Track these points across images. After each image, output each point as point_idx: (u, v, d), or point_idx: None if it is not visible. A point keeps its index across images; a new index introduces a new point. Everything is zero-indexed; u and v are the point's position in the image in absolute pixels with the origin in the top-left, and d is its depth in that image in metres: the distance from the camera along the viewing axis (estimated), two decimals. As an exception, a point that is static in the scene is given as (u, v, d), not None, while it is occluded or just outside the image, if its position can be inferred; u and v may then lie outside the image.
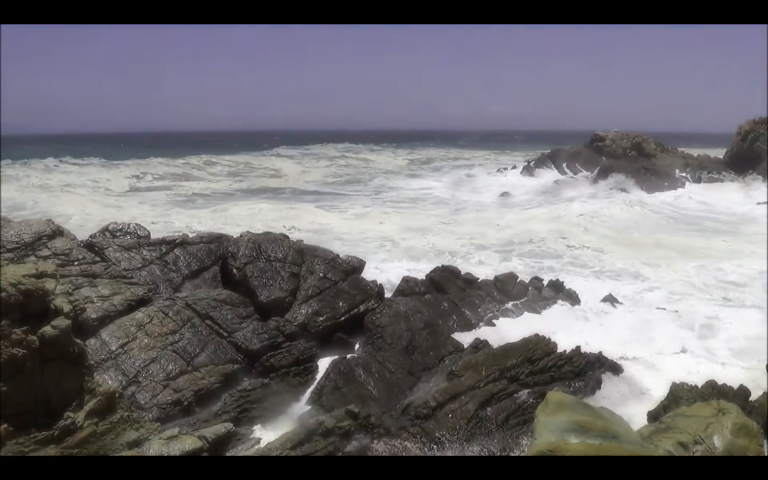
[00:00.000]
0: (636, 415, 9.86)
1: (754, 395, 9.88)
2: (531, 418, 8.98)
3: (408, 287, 14.99)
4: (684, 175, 49.75)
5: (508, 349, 11.64)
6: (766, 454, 5.52)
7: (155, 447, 7.31)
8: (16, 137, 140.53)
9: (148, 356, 10.93)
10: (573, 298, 16.52)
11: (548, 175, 51.32)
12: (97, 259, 12.70)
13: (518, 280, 16.59)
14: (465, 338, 13.44)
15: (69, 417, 7.24)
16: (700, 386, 10.08)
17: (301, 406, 11.43)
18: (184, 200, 39.72)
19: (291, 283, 13.45)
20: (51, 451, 6.97)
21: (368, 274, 15.27)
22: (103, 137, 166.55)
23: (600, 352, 12.19)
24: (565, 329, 14.45)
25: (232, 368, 11.41)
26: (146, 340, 11.15)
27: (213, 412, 10.60)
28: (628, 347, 13.64)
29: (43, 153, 70.74)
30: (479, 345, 12.47)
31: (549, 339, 11.95)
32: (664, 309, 16.34)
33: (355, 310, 13.52)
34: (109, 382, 9.72)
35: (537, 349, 11.58)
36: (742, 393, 9.91)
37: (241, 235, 14.71)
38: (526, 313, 15.53)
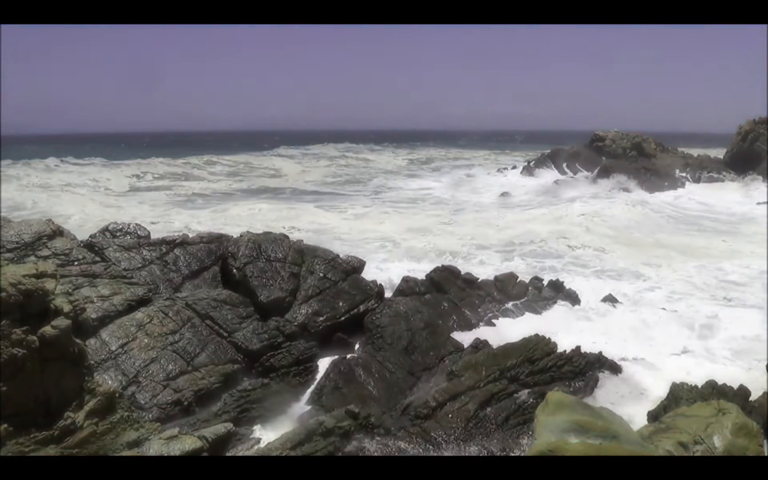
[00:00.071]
0: (636, 415, 9.86)
1: (754, 395, 9.88)
2: (531, 418, 9.00)
3: (408, 287, 15.00)
4: (684, 175, 49.77)
5: (508, 349, 11.64)
6: (766, 454, 5.52)
7: (155, 447, 7.31)
8: (17, 137, 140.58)
9: (148, 356, 10.93)
10: (573, 298, 16.52)
11: (548, 175, 51.32)
12: (97, 259, 12.70)
13: (518, 280, 16.59)
14: (465, 338, 13.44)
15: (69, 417, 7.24)
16: (700, 386, 10.07)
17: (301, 406, 11.43)
18: (184, 200, 39.72)
19: (291, 283, 13.45)
20: (51, 451, 6.97)
21: (368, 274, 15.27)
22: (103, 137, 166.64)
23: (600, 352, 12.19)
24: (565, 329, 14.45)
25: (232, 368, 11.42)
26: (146, 340, 11.15)
27: (213, 412, 10.60)
28: (628, 347, 13.63)
29: (45, 153, 70.81)
30: (479, 345, 12.47)
31: (549, 339, 11.95)
32: (664, 309, 16.35)
33: (355, 310, 13.52)
34: (109, 382, 9.72)
35: (537, 349, 11.58)
36: (742, 393, 9.91)
37: (241, 235, 14.71)
38: (526, 313, 15.54)
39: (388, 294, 14.83)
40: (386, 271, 18.04)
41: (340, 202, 38.74)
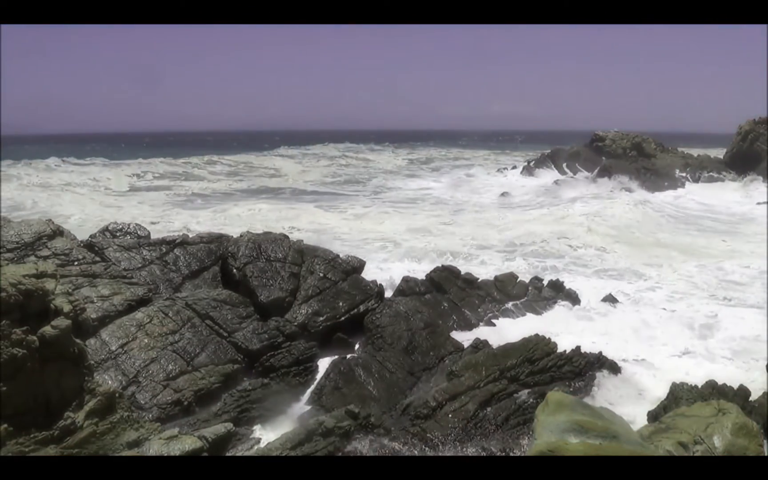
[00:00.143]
0: (636, 415, 9.87)
1: (754, 395, 9.87)
2: (531, 418, 8.99)
3: (408, 287, 15.00)
4: (684, 175, 49.80)
5: (508, 349, 11.63)
6: (766, 454, 5.52)
7: (155, 447, 7.31)
8: (17, 137, 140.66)
9: (148, 356, 10.93)
10: (573, 298, 16.52)
11: (548, 175, 51.34)
12: (97, 259, 12.70)
13: (518, 280, 16.59)
14: (465, 338, 13.45)
15: (69, 417, 7.24)
16: (700, 386, 10.07)
17: (301, 406, 11.43)
18: (184, 200, 39.72)
19: (291, 283, 13.46)
20: (51, 451, 6.97)
21: (368, 274, 15.27)
22: (103, 137, 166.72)
23: (600, 352, 12.18)
24: (565, 329, 14.46)
25: (232, 368, 11.41)
26: (146, 340, 11.15)
27: (213, 412, 10.60)
28: (628, 347, 13.64)
29: (46, 153, 70.86)
30: (479, 345, 12.47)
31: (549, 339, 11.94)
32: (665, 309, 16.35)
33: (355, 310, 13.52)
34: (109, 382, 9.73)
35: (537, 349, 11.57)
36: (742, 393, 9.90)
37: (241, 235, 14.72)
38: (526, 313, 15.54)
39: (388, 294, 14.83)
40: (386, 271, 18.04)
41: (340, 202, 38.73)
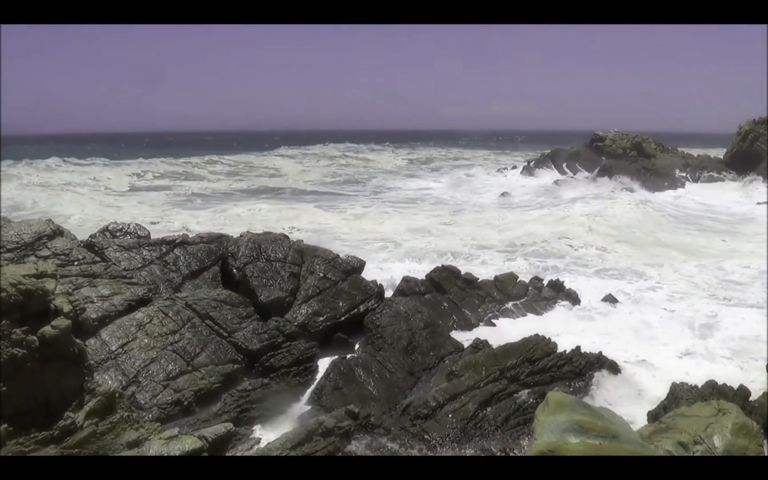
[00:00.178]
0: (636, 415, 9.87)
1: (754, 395, 9.87)
2: (531, 418, 8.99)
3: (408, 287, 15.01)
4: (684, 175, 49.82)
5: (508, 349, 11.63)
6: (766, 454, 5.52)
7: (155, 447, 7.30)
8: (17, 137, 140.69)
9: (148, 356, 10.93)
10: (573, 298, 16.52)
11: (548, 175, 51.35)
12: (97, 259, 12.71)
13: (518, 280, 16.59)
14: (465, 338, 13.45)
15: (69, 417, 7.24)
16: (700, 386, 10.07)
17: (301, 406, 11.42)
18: (184, 200, 39.72)
19: (291, 283, 13.46)
20: (51, 451, 6.97)
21: (368, 274, 15.27)
22: (103, 137, 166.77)
23: (600, 352, 12.18)
24: (565, 329, 14.46)
25: (232, 368, 11.41)
26: (146, 340, 11.14)
27: (213, 412, 10.59)
28: (629, 347, 13.64)
29: (47, 153, 70.88)
30: (479, 345, 12.46)
31: (549, 339, 11.94)
32: (665, 309, 16.35)
33: (355, 310, 13.52)
34: (109, 382, 9.73)
35: (537, 349, 11.57)
36: (742, 393, 9.90)
37: (241, 235, 14.72)
38: (526, 313, 15.54)
39: (388, 294, 14.83)
40: (387, 271, 18.04)
41: (340, 202, 38.73)
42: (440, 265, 16.61)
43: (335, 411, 10.11)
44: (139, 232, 15.08)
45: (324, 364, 12.27)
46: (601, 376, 11.76)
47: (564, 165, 53.47)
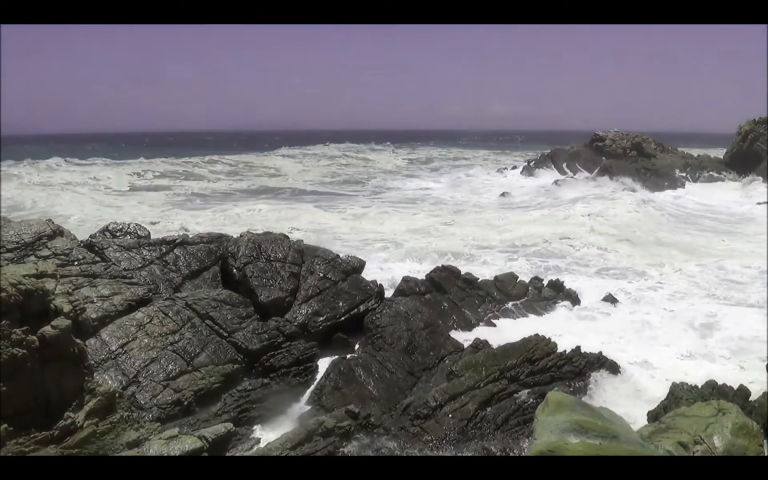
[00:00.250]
0: (636, 415, 9.86)
1: (754, 395, 9.86)
2: (531, 418, 8.99)
3: (408, 287, 15.01)
4: (684, 175, 49.84)
5: (508, 349, 11.63)
6: (766, 454, 5.52)
7: (155, 447, 7.30)
8: (17, 137, 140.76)
9: (148, 356, 10.92)
10: (573, 298, 16.53)
11: (548, 176, 51.34)
12: (97, 259, 12.71)
13: (518, 280, 16.59)
14: (465, 338, 13.45)
15: (69, 417, 7.24)
16: (700, 386, 10.06)
17: (301, 406, 11.42)
18: (184, 200, 39.72)
19: (291, 283, 13.46)
20: (51, 451, 6.97)
21: (369, 274, 15.27)
22: (104, 137, 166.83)
23: (600, 352, 12.18)
24: (565, 329, 14.46)
25: (232, 368, 11.41)
26: (146, 340, 11.14)
27: (213, 412, 10.59)
28: (629, 347, 13.63)
29: (47, 153, 70.84)
30: (479, 345, 12.47)
31: (549, 339, 11.94)
32: (665, 308, 16.35)
33: (355, 310, 13.52)
34: (109, 382, 9.72)
35: (537, 349, 11.57)
36: (742, 393, 9.89)
37: (241, 235, 14.72)
38: (526, 313, 15.54)
39: (388, 294, 14.83)
40: (387, 271, 18.03)
41: (340, 202, 38.73)
42: (440, 265, 16.62)
43: (335, 411, 10.11)
44: (139, 232, 15.09)
45: (324, 364, 12.27)
46: (601, 376, 11.76)
47: (564, 165, 53.48)
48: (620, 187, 44.15)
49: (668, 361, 12.99)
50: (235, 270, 13.47)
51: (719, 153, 58.09)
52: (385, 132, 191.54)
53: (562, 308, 16.12)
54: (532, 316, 15.40)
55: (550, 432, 4.59)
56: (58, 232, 12.85)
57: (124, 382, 10.37)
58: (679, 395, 9.78)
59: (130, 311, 11.59)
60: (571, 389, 11.09)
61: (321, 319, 13.10)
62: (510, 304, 15.67)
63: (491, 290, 15.87)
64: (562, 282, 17.04)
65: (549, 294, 16.44)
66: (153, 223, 26.59)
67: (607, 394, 11.28)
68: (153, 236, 15.13)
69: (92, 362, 8.84)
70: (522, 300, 15.95)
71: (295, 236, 15.70)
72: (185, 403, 10.54)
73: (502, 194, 43.24)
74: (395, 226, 28.80)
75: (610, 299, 16.60)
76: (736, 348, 13.67)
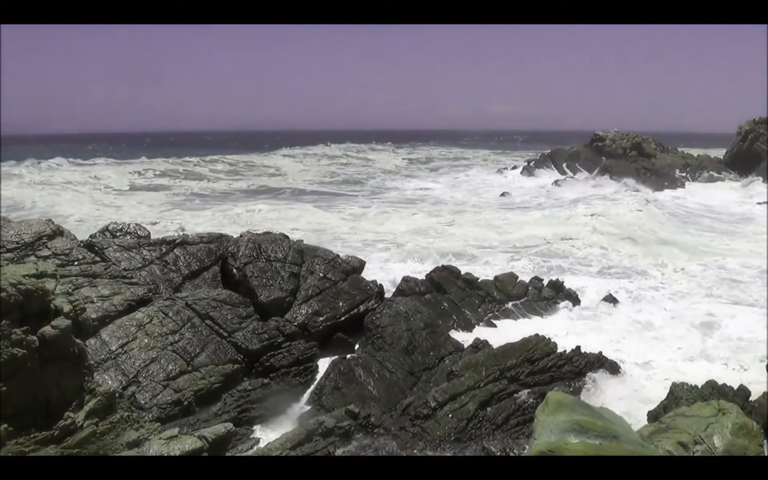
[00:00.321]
0: (636, 415, 9.86)
1: (754, 395, 9.86)
2: (531, 418, 8.98)
3: (408, 287, 15.01)
4: (684, 175, 49.87)
5: (508, 349, 11.63)
6: (766, 454, 5.52)
7: (155, 447, 7.30)
8: (18, 137, 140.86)
9: (148, 356, 10.92)
10: (573, 298, 16.53)
11: (548, 176, 51.37)
12: (97, 259, 12.71)
13: (518, 280, 16.58)
14: (465, 338, 13.45)
15: (69, 417, 7.23)
16: (700, 386, 10.06)
17: (301, 406, 11.42)
18: (184, 200, 39.73)
19: (291, 283, 13.46)
20: (51, 451, 6.97)
21: (369, 274, 15.27)
22: (104, 137, 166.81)
23: (600, 352, 12.19)
24: (565, 329, 14.47)
25: (232, 368, 11.41)
26: (146, 340, 11.14)
27: (213, 412, 10.59)
28: (629, 347, 13.64)
29: (48, 153, 70.86)
30: (479, 345, 12.47)
31: (549, 339, 11.94)
32: (665, 308, 16.35)
33: (355, 310, 13.52)
34: (109, 382, 9.72)
35: (537, 349, 11.57)
36: (742, 393, 9.89)
37: (241, 235, 14.73)
38: (526, 313, 15.54)
39: (388, 294, 14.83)
40: (388, 271, 18.02)
41: (340, 202, 38.73)
42: (440, 265, 16.62)
43: (335, 411, 10.11)
44: (139, 232, 15.09)
45: (324, 364, 12.27)
46: (601, 376, 11.76)
47: (564, 165, 53.50)
48: (621, 187, 44.18)
49: (668, 361, 13.00)
50: (235, 270, 13.47)
51: (719, 153, 58.10)
52: (385, 132, 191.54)
53: (563, 308, 16.12)
54: (532, 316, 15.41)
55: (550, 432, 4.59)
56: (58, 232, 12.85)
57: (124, 382, 10.37)
58: (679, 395, 9.78)
59: (130, 311, 11.59)
60: (571, 389, 11.09)
61: (321, 319, 13.11)
62: (510, 304, 15.67)
63: (491, 290, 15.87)
64: (562, 282, 17.04)
65: (549, 294, 16.44)
66: (153, 224, 26.60)
67: (607, 394, 11.29)
68: (153, 236, 15.13)
69: (92, 362, 8.83)
70: (522, 300, 15.95)
71: (295, 236, 15.70)
72: (185, 403, 10.54)
73: (502, 194, 43.24)
74: (395, 227, 28.79)
75: (611, 299, 16.60)
76: (736, 348, 13.66)
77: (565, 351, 11.81)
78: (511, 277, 16.66)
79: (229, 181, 51.18)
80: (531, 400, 10.68)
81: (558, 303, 16.24)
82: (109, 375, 10.35)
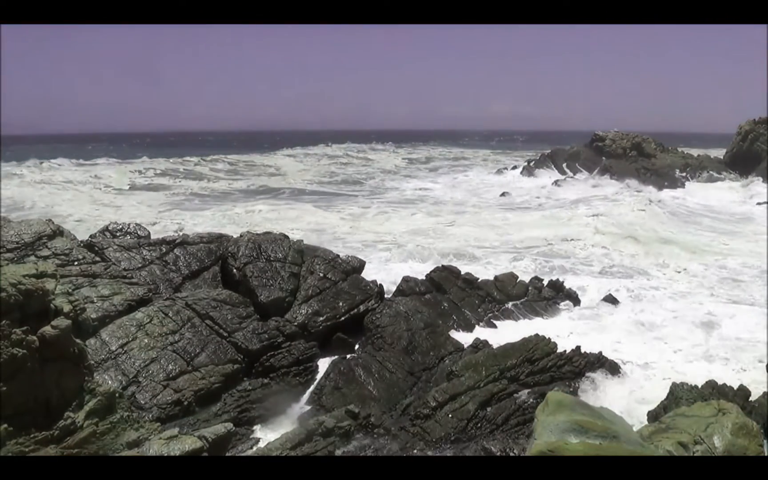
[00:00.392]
0: (636, 415, 9.86)
1: (754, 395, 9.86)
2: (531, 418, 8.99)
3: (408, 287, 15.01)
4: (684, 175, 49.89)
5: (508, 349, 11.63)
6: (766, 454, 5.51)
7: (155, 447, 7.30)
8: (18, 137, 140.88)
9: (148, 356, 10.92)
10: (573, 298, 16.53)
11: (548, 176, 51.37)
12: (97, 259, 12.71)
13: (518, 280, 16.58)
14: (465, 338, 13.45)
15: (69, 417, 7.23)
16: (700, 386, 10.07)
17: (301, 406, 11.42)
18: (184, 200, 39.75)
19: (291, 283, 13.46)
20: (51, 451, 6.97)
21: (370, 274, 15.27)
22: (104, 137, 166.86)
23: (600, 352, 12.18)
24: (565, 329, 14.47)
25: (232, 368, 11.41)
26: (146, 340, 11.14)
27: (213, 412, 10.59)
28: (629, 347, 13.63)
29: (49, 153, 70.88)
30: (479, 345, 12.47)
31: (549, 339, 11.95)
32: (666, 308, 16.34)
33: (355, 310, 13.52)
34: (109, 382, 9.72)
35: (537, 349, 11.57)
36: (742, 393, 9.89)
37: (241, 235, 14.72)
38: (526, 313, 15.54)
39: (388, 294, 14.83)
40: (388, 271, 18.01)
41: (340, 202, 38.73)
42: (440, 265, 16.62)
43: (335, 411, 10.12)
44: (139, 232, 15.09)
45: (324, 364, 12.28)
46: (601, 376, 11.76)
47: (564, 165, 53.50)
48: (621, 187, 44.18)
49: (668, 361, 13.00)
50: (235, 270, 13.46)
51: (719, 153, 58.12)
52: (386, 132, 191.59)
53: (563, 308, 16.13)
54: (532, 317, 15.41)
55: (550, 432, 4.59)
56: (58, 232, 12.85)
57: (124, 382, 10.37)
58: (679, 395, 9.78)
59: (130, 311, 11.59)
60: (571, 389, 11.09)
61: (321, 319, 13.10)
62: (510, 304, 15.67)
63: (491, 290, 15.87)
64: (563, 282, 17.04)
65: (549, 294, 16.44)
66: (153, 224, 26.61)
67: (607, 394, 11.28)
68: (153, 236, 15.13)
69: (92, 362, 8.83)
70: (522, 300, 15.95)
71: (295, 236, 15.70)
72: (185, 403, 10.54)
73: (502, 194, 43.24)
74: (394, 227, 28.79)
75: (611, 299, 16.60)
76: (736, 348, 13.66)
77: (565, 351, 11.81)
78: (511, 277, 16.66)
79: (229, 181, 51.20)
80: (531, 400, 10.68)
81: (558, 303, 16.24)
82: (109, 375, 10.35)
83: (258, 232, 15.25)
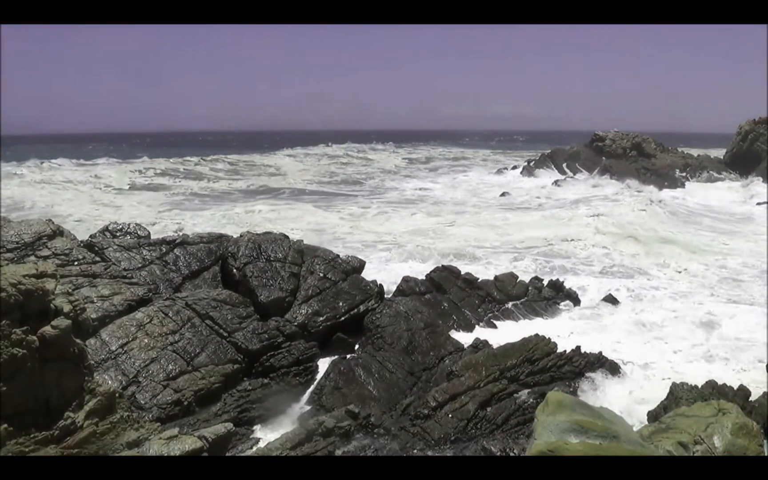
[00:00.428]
0: (636, 415, 9.86)
1: (754, 395, 9.86)
2: (531, 418, 8.98)
3: (408, 287, 15.01)
4: (684, 175, 49.91)
5: (508, 349, 11.63)
6: (766, 454, 5.51)
7: (155, 447, 7.29)
8: (18, 137, 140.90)
9: (148, 356, 10.93)
10: (573, 298, 16.53)
11: (548, 176, 51.38)
12: (97, 259, 12.71)
13: (518, 280, 16.58)
14: (465, 338, 13.45)
15: (69, 417, 7.23)
16: (700, 386, 10.07)
17: (301, 406, 11.43)
18: (183, 200, 39.75)
19: (291, 283, 13.46)
20: (51, 451, 6.97)
21: (370, 274, 15.26)
22: (104, 137, 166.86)
23: (600, 352, 12.18)
24: (565, 329, 14.47)
25: (232, 368, 11.41)
26: (146, 340, 11.14)
27: (213, 412, 10.60)
28: (629, 347, 13.63)
29: (49, 153, 70.90)
30: (479, 345, 12.47)
31: (549, 339, 11.94)
32: (666, 308, 16.34)
33: (355, 310, 13.52)
34: (109, 382, 9.72)
35: (537, 349, 11.57)
36: (742, 393, 9.89)
37: (241, 235, 14.73)
38: (526, 313, 15.54)
39: (388, 294, 14.83)
40: (388, 271, 18.01)
41: (340, 202, 38.73)
42: (440, 265, 16.62)
43: (335, 411, 10.12)
44: (139, 232, 15.10)
45: (324, 364, 12.28)
46: (601, 376, 11.76)
47: (564, 165, 53.53)
48: (621, 187, 44.18)
49: (668, 361, 13.00)
50: (235, 270, 13.47)
51: (719, 153, 58.14)
52: (386, 132, 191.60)
53: (563, 308, 16.13)
54: (532, 317, 15.41)
55: (550, 432, 4.59)
56: (58, 232, 12.85)
57: (124, 382, 10.37)
58: (679, 395, 9.78)
59: (130, 311, 11.59)
60: (571, 389, 11.09)
61: (321, 319, 13.11)
62: (510, 305, 15.67)
63: (491, 290, 15.87)
64: (563, 282, 17.04)
65: (549, 294, 16.44)
66: (153, 224, 26.61)
67: (607, 394, 11.28)
68: (153, 236, 15.13)
69: (92, 362, 8.83)
70: (522, 300, 15.95)
71: (295, 236, 15.70)
72: (185, 403, 10.54)
73: (502, 194, 43.24)
74: (394, 227, 28.79)
75: (611, 299, 16.60)
76: (736, 348, 13.66)
77: (565, 351, 11.81)
78: (511, 277, 16.66)
79: (229, 181, 51.21)
80: (531, 400, 10.67)
81: (558, 303, 16.25)
82: (109, 375, 10.36)
83: (258, 232, 15.25)
